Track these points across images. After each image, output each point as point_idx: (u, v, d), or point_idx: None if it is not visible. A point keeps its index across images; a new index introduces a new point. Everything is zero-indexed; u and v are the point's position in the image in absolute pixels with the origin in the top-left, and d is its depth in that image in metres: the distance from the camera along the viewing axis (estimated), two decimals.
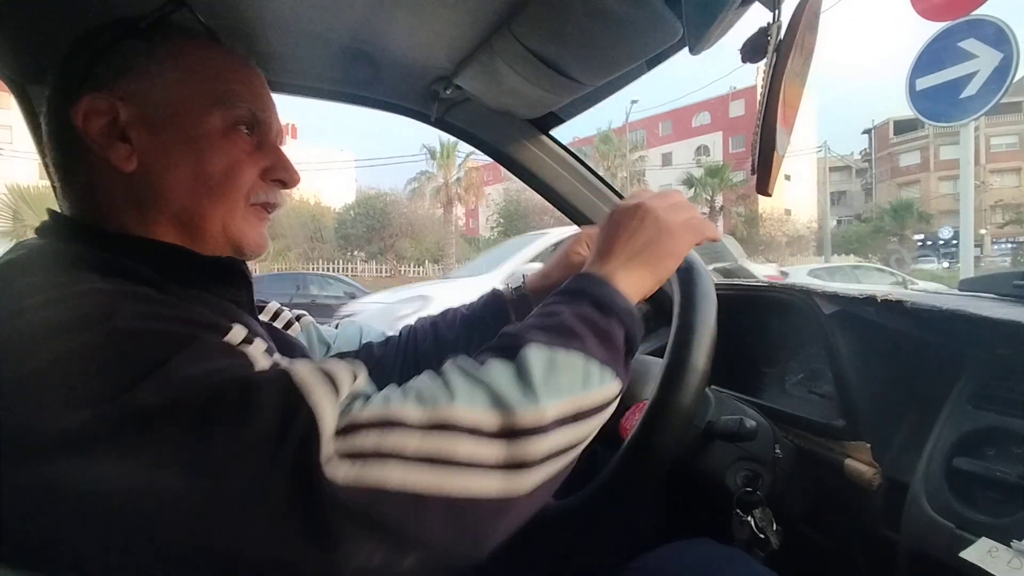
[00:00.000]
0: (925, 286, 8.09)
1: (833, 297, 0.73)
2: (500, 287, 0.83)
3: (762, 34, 0.55)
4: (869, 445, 0.66)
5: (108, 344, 0.35)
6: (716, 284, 0.66)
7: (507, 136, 1.09)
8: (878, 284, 10.73)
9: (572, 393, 0.41)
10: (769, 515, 0.66)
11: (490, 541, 0.38)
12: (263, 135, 0.55)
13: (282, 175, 0.56)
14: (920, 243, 30.07)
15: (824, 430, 0.71)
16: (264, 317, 0.72)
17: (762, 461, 0.67)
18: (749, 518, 0.65)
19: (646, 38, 0.75)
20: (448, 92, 0.96)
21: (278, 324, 0.73)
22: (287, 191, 0.58)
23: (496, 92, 0.94)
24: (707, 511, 0.75)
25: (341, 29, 0.82)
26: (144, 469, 0.32)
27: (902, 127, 38.45)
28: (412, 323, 0.84)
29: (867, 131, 43.69)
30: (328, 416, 0.35)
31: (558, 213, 1.19)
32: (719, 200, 27.83)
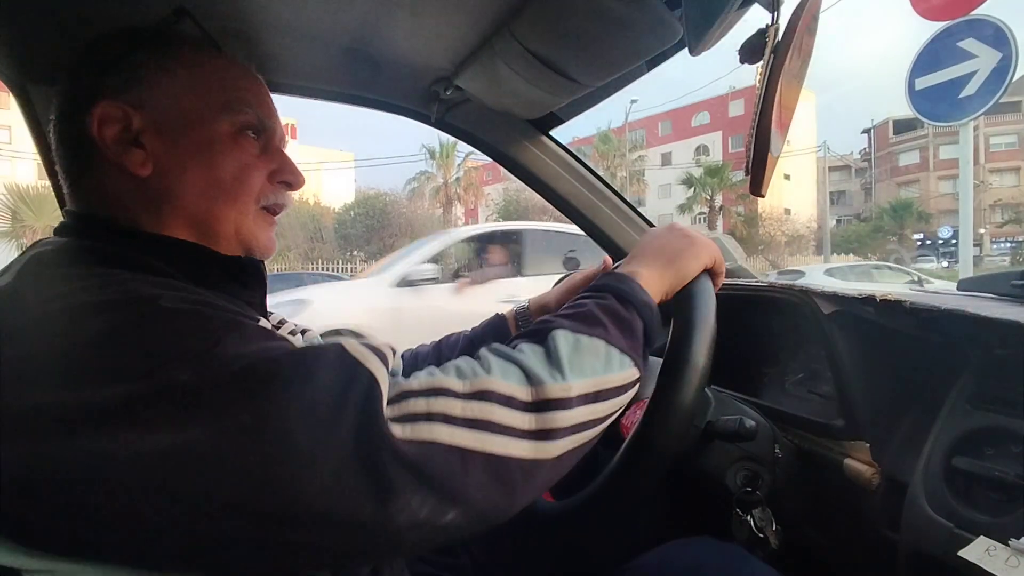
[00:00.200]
0: (940, 285, 8.09)
1: (832, 297, 0.73)
2: (504, 311, 0.84)
3: (760, 35, 0.55)
4: (868, 445, 0.66)
5: (159, 321, 0.37)
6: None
7: (507, 136, 1.09)
8: (894, 283, 10.67)
9: (595, 374, 0.46)
10: (769, 515, 0.66)
11: (518, 501, 0.42)
12: (268, 139, 0.57)
13: (288, 177, 0.58)
14: (919, 242, 30.10)
15: (823, 430, 0.72)
16: (267, 326, 0.72)
17: (762, 461, 0.67)
18: (748, 518, 0.65)
19: (646, 39, 0.75)
20: (448, 93, 0.96)
21: (282, 333, 0.73)
22: (292, 193, 0.60)
23: (496, 93, 0.94)
24: (707, 511, 0.75)
25: (342, 30, 0.82)
26: (207, 436, 0.34)
27: (901, 127, 38.49)
28: (414, 347, 0.85)
29: (866, 131, 43.75)
30: (384, 381, 0.39)
31: (557, 212, 1.19)
32: (719, 200, 27.83)
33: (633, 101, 29.06)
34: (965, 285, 0.83)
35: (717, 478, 0.67)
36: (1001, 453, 0.54)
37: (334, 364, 0.39)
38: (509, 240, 4.92)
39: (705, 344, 0.56)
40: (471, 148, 1.18)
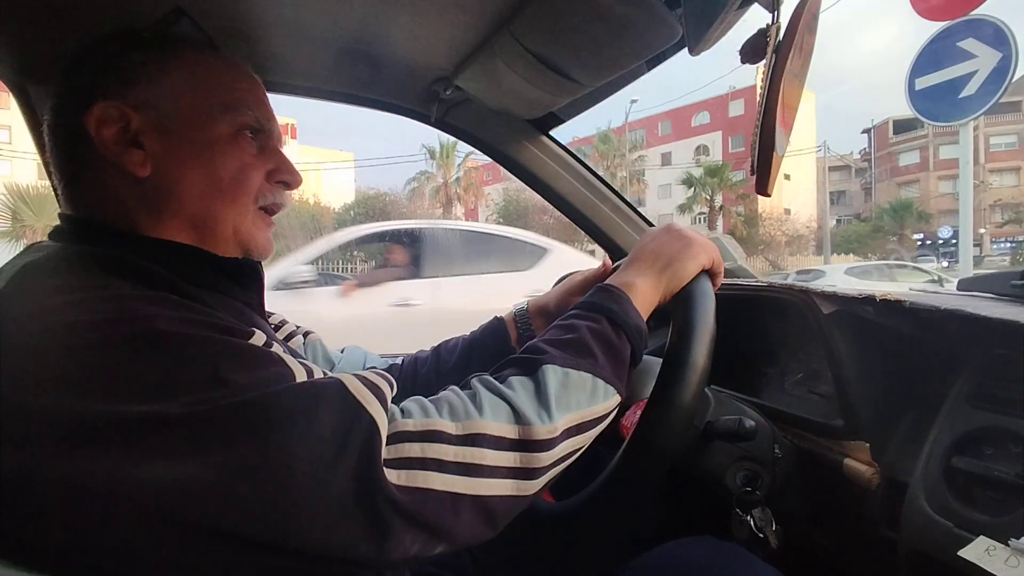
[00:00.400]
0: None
1: (832, 297, 0.73)
2: (503, 315, 0.83)
3: (761, 35, 0.55)
4: (868, 444, 0.66)
5: (154, 347, 0.37)
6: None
7: (507, 136, 1.09)
8: (915, 282, 10.58)
9: (579, 407, 0.48)
10: (768, 515, 0.66)
11: (499, 529, 0.45)
12: (266, 139, 0.57)
13: (286, 177, 0.58)
14: (919, 242, 30.10)
15: (823, 430, 0.72)
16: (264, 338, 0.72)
17: (761, 461, 0.67)
18: (748, 518, 0.65)
19: (646, 39, 0.75)
20: (448, 92, 0.96)
21: (280, 336, 0.73)
22: (290, 192, 0.60)
23: (496, 92, 0.94)
24: (707, 511, 0.75)
25: (342, 30, 0.82)
26: (206, 471, 0.34)
27: (901, 127, 38.49)
28: (413, 352, 0.85)
29: (866, 131, 43.75)
30: (384, 426, 0.40)
31: (557, 212, 1.19)
32: (719, 200, 27.84)
33: (633, 101, 29.07)
34: (965, 285, 0.83)
35: (717, 478, 0.67)
36: (1001, 453, 0.53)
37: (336, 406, 0.39)
38: (406, 240, 4.49)
39: (705, 344, 0.56)
40: (471, 148, 1.18)
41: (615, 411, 0.52)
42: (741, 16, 0.62)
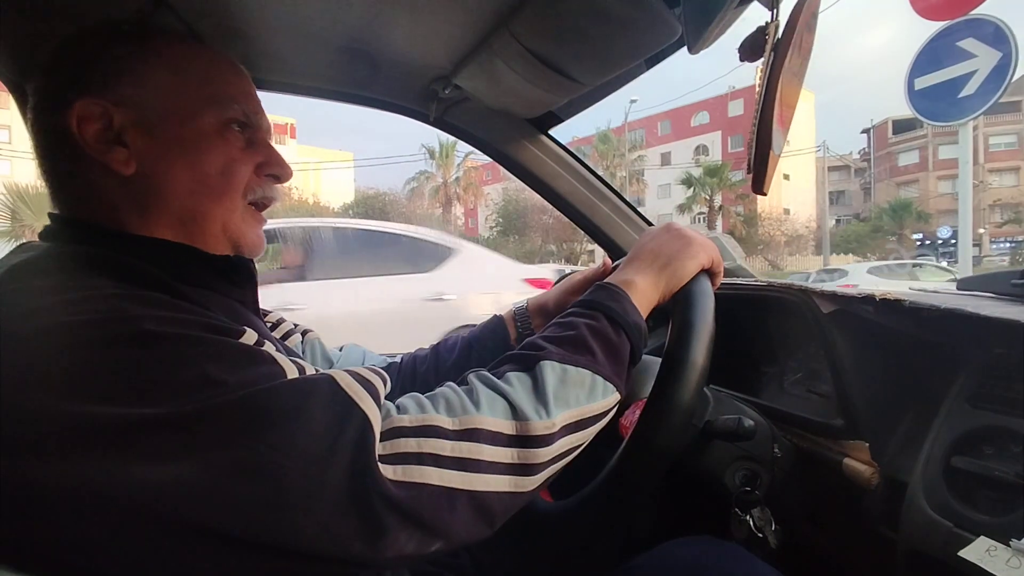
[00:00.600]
0: None
1: (832, 296, 0.73)
2: (502, 312, 0.83)
3: (760, 33, 0.55)
4: (867, 444, 0.66)
5: (142, 347, 0.36)
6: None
7: (506, 135, 1.09)
8: (937, 281, 10.54)
9: (578, 404, 0.48)
10: (768, 514, 0.66)
11: (497, 527, 0.44)
12: (254, 133, 0.56)
13: (276, 170, 0.57)
14: (919, 242, 30.11)
15: (822, 429, 0.72)
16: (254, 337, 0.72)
17: (761, 460, 0.67)
18: (747, 517, 0.65)
19: (645, 37, 0.75)
20: (447, 91, 0.96)
21: (276, 335, 0.73)
22: (281, 186, 0.59)
23: (495, 91, 0.94)
24: (706, 511, 0.75)
25: (340, 28, 0.82)
26: (198, 472, 0.34)
27: (901, 127, 38.52)
28: (412, 351, 0.85)
29: (866, 130, 43.79)
30: (377, 421, 0.40)
31: (556, 212, 1.19)
32: (718, 200, 27.85)
33: (633, 101, 29.09)
34: (965, 284, 0.83)
35: (716, 477, 0.67)
36: (1001, 453, 0.53)
37: (328, 403, 0.39)
38: (300, 239, 4.04)
39: (704, 343, 0.56)
40: (471, 148, 1.17)
41: (614, 409, 0.52)
42: (740, 14, 0.62)
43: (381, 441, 0.39)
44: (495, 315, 0.83)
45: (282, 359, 0.42)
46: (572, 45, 0.78)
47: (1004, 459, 0.52)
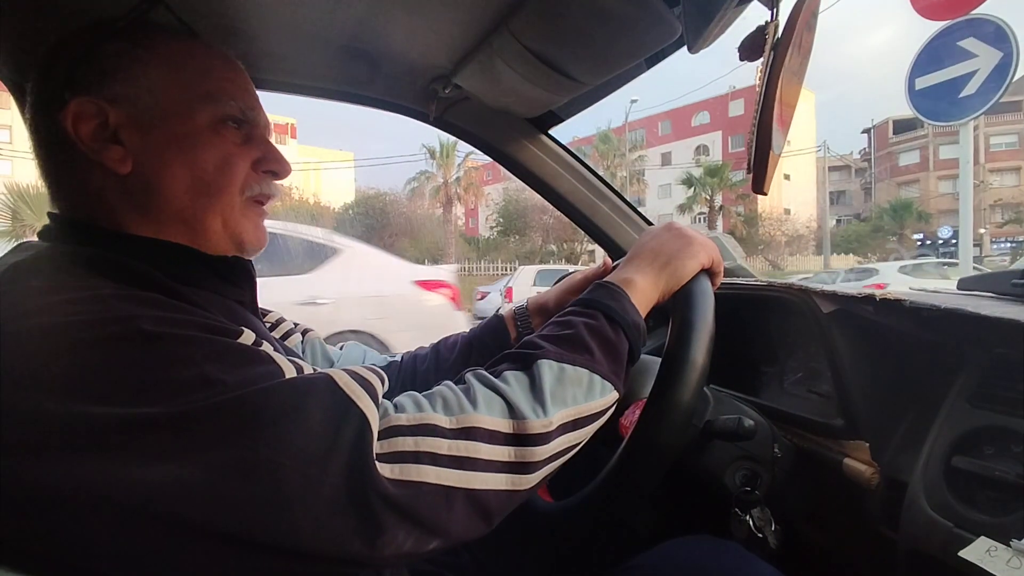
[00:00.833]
0: None
1: (832, 296, 0.73)
2: (503, 311, 0.84)
3: (760, 32, 0.55)
4: (868, 444, 0.66)
5: (139, 347, 0.36)
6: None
7: (506, 135, 1.09)
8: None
9: (576, 403, 0.48)
10: (768, 514, 0.66)
11: (494, 525, 0.44)
12: (251, 129, 0.55)
13: (273, 166, 0.56)
14: (919, 242, 30.07)
15: (823, 429, 0.71)
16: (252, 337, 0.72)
17: (761, 460, 0.67)
18: (747, 517, 0.65)
19: (645, 37, 0.75)
20: (447, 91, 0.96)
21: (276, 335, 0.73)
22: (280, 182, 0.58)
23: (495, 91, 0.94)
24: (706, 511, 0.75)
25: (340, 28, 0.82)
26: (197, 471, 0.34)
27: (901, 126, 38.48)
28: (413, 349, 0.85)
29: (866, 130, 43.75)
30: (375, 420, 0.40)
31: (557, 212, 1.19)
32: (718, 200, 27.84)
33: (633, 101, 29.08)
34: (965, 284, 0.83)
35: (716, 477, 0.67)
36: (1001, 453, 0.53)
37: (325, 401, 0.39)
38: None
39: (704, 343, 0.56)
40: (471, 148, 1.17)
41: (613, 407, 0.52)
42: (740, 13, 0.62)
43: (379, 440, 0.39)
44: (496, 314, 0.83)
45: (280, 359, 0.42)
46: (572, 44, 0.78)
47: (1005, 459, 0.52)
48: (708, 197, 27.70)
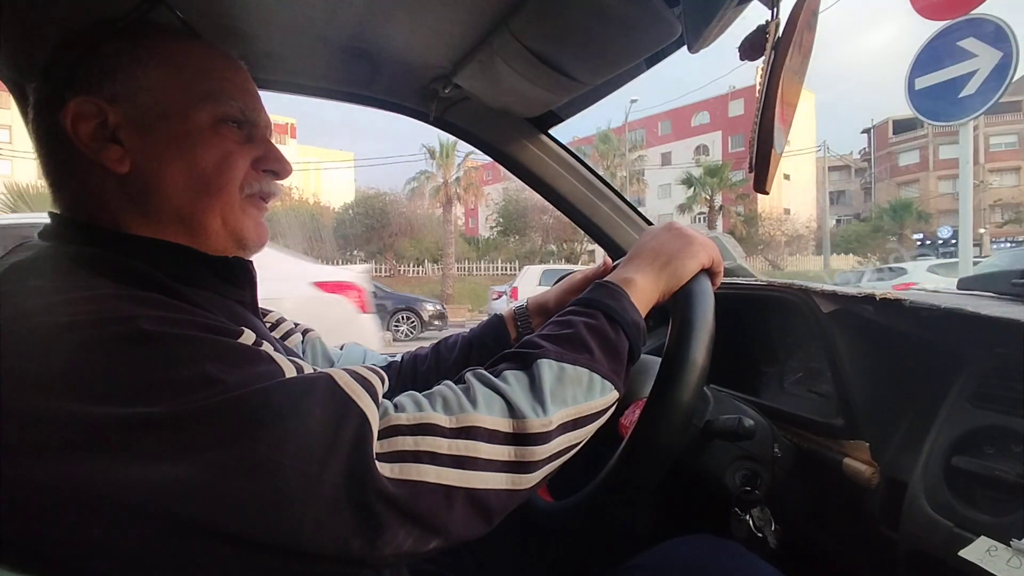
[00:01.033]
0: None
1: (832, 296, 0.73)
2: (503, 311, 0.84)
3: (760, 32, 0.55)
4: (868, 444, 0.66)
5: (138, 347, 0.36)
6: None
7: (506, 135, 1.09)
8: None
9: (576, 402, 0.47)
10: (768, 514, 0.66)
11: (494, 524, 0.44)
12: (252, 128, 0.55)
13: (274, 165, 0.56)
14: (919, 242, 30.06)
15: (823, 429, 0.71)
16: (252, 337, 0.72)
17: (761, 460, 0.67)
18: (747, 517, 0.65)
19: (645, 36, 0.75)
20: (447, 91, 0.96)
21: (276, 335, 0.73)
22: (280, 182, 0.58)
23: (495, 91, 0.94)
24: (706, 510, 0.75)
25: (340, 28, 0.82)
26: (197, 471, 0.34)
27: (901, 126, 38.47)
28: (413, 349, 0.85)
29: (866, 130, 43.74)
30: (375, 420, 0.40)
31: (557, 211, 1.19)
32: (718, 200, 27.82)
33: (633, 101, 29.05)
34: (965, 284, 0.83)
35: (716, 477, 0.67)
36: (1001, 452, 0.53)
37: (325, 401, 0.39)
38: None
39: (704, 343, 0.56)
40: (471, 148, 1.17)
41: (613, 407, 0.52)
42: (740, 13, 0.62)
43: (379, 439, 0.40)
44: (496, 314, 0.83)
45: (280, 358, 0.42)
46: (572, 44, 0.78)
47: (1005, 459, 0.52)
48: (708, 197, 27.67)
